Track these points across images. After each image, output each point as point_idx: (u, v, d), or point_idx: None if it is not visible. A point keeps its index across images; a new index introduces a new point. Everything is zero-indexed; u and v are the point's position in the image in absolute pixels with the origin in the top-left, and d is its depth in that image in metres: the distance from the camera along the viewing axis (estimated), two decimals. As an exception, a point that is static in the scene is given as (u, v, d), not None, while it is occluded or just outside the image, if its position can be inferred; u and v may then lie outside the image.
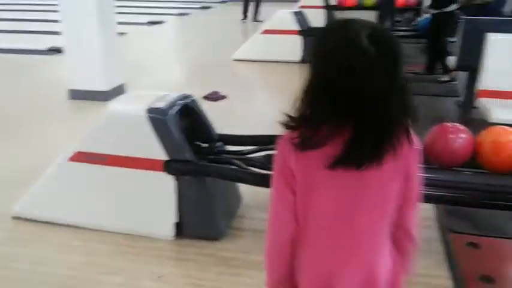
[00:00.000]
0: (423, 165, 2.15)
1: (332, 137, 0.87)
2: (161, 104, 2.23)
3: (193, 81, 5.44)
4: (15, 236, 2.35)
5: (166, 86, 4.97)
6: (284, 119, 0.93)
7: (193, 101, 2.43)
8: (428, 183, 2.00)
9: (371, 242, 0.95)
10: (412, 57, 6.02)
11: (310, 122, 0.88)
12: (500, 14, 5.57)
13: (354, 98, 0.83)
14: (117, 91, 4.48)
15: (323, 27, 0.95)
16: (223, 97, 4.61)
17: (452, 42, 4.78)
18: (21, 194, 2.51)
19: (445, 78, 5.02)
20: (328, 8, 8.06)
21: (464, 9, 5.26)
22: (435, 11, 5.09)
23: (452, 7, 4.97)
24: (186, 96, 2.40)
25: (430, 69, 5.31)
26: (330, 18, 8.22)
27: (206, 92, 4.57)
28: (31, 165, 3.03)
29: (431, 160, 2.04)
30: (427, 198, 2.01)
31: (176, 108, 2.25)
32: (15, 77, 5.59)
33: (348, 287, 0.95)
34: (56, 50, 6.47)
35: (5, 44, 7.25)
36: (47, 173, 2.44)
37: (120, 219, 2.32)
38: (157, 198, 2.27)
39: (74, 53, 4.43)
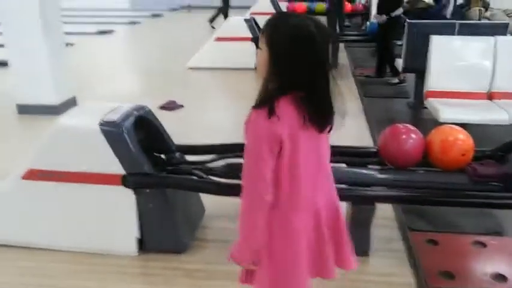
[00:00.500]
0: (378, 167, 2.22)
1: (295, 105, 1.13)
2: (115, 117, 2.17)
3: (148, 91, 5.36)
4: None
5: (120, 97, 4.86)
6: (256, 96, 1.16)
7: (148, 111, 2.38)
8: (385, 184, 2.08)
9: (329, 177, 1.33)
10: (363, 60, 6.23)
11: (278, 92, 1.13)
12: (442, 17, 5.86)
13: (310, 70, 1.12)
14: (68, 104, 4.33)
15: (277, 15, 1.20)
16: (179, 106, 4.57)
17: (400, 45, 4.97)
18: None
19: (395, 80, 5.22)
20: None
21: (409, 13, 5.50)
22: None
23: (398, 11, 5.20)
24: (140, 107, 2.35)
25: (379, 72, 5.51)
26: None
27: (162, 102, 4.51)
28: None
29: (386, 161, 2.11)
30: (385, 198, 2.09)
31: (131, 120, 2.19)
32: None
33: (323, 204, 1.29)
34: (2, 63, 6.18)
35: None
36: (-2, 192, 2.32)
37: (78, 237, 2.24)
38: (117, 214, 2.20)
39: (19, 66, 4.24)
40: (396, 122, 2.32)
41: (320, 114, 1.17)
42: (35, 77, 4.20)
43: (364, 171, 2.08)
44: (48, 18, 4.17)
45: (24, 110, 4.29)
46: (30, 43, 4.13)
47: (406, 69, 4.35)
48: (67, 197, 2.22)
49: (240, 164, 2.32)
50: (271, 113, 1.11)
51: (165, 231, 2.21)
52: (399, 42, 5.07)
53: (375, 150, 2.28)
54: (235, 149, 2.40)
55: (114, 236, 2.21)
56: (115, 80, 5.96)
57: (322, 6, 8.12)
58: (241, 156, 2.37)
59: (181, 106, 4.58)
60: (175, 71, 6.21)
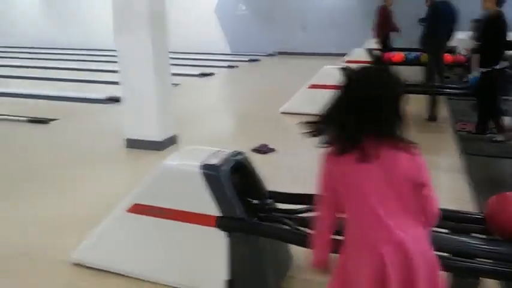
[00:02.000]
0: (484, 236, 2.05)
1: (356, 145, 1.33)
2: (215, 161, 2.29)
3: (242, 133, 5.56)
4: (74, 283, 2.42)
5: (216, 137, 5.12)
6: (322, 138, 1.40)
7: (245, 157, 2.48)
8: (493, 257, 1.89)
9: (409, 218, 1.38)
10: (464, 114, 5.92)
11: (344, 136, 1.36)
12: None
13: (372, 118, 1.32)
14: (170, 141, 4.65)
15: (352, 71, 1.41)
16: (272, 150, 4.67)
17: (509, 100, 4.65)
18: (78, 240, 2.61)
19: (500, 138, 4.85)
20: (376, 63, 8.12)
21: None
22: (484, 69, 4.95)
23: (502, 65, 4.85)
24: (238, 153, 2.46)
25: (481, 128, 5.15)
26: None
27: (255, 145, 4.65)
28: (87, 211, 3.18)
29: (494, 231, 1.95)
30: (493, 273, 1.87)
31: (229, 165, 2.30)
32: (76, 123, 5.94)
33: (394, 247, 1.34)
34: (115, 100, 6.86)
35: (69, 92, 7.79)
36: (106, 222, 2.53)
37: (171, 271, 2.36)
38: (209, 254, 2.28)
39: (130, 103, 4.67)
40: (502, 184, 2.16)
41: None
42: (143, 114, 4.59)
43: (469, 240, 1.94)
44: (159, 61, 4.58)
45: (132, 144, 4.67)
46: (142, 83, 4.55)
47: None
48: (165, 232, 2.36)
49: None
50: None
51: (253, 276, 2.23)
52: (508, 98, 4.75)
53: (480, 217, 2.13)
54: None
55: (204, 275, 2.29)
56: (212, 120, 6.29)
57: (425, 56, 7.91)
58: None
59: (273, 150, 4.68)
60: (268, 115, 6.39)
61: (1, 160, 4.51)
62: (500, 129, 4.87)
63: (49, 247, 2.77)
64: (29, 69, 11.17)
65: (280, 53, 14.27)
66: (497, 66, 4.79)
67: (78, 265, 2.52)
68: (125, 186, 3.66)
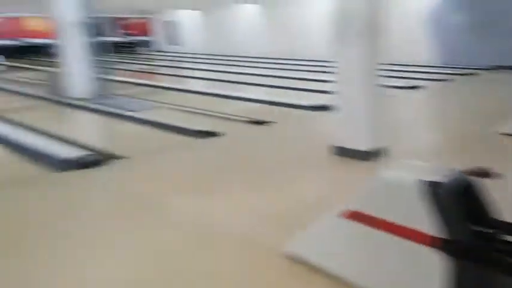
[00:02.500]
0: None
1: None
2: (440, 178, 2.22)
3: (453, 152, 5.18)
4: (285, 274, 2.65)
5: (425, 153, 4.90)
6: None
7: (470, 179, 2.34)
8: None
9: None
10: None
11: None
12: None
13: None
14: (378, 153, 4.65)
15: None
16: (490, 175, 4.23)
17: None
18: (289, 233, 2.85)
19: None
20: None
21: None
22: None
23: None
24: (462, 173, 2.33)
25: None
26: None
27: (468, 166, 4.29)
28: (296, 208, 3.44)
29: None
30: None
31: (455, 185, 2.21)
32: (288, 127, 6.47)
33: None
34: (322, 107, 7.21)
35: (281, 98, 8.53)
36: (320, 222, 2.71)
37: (380, 282, 2.37)
38: (420, 273, 2.22)
39: (343, 112, 4.83)
40: None
41: None
42: (354, 123, 4.70)
43: None
44: (373, 72, 4.66)
45: (340, 151, 4.82)
46: (355, 92, 4.67)
47: None
48: (378, 242, 2.39)
49: None
50: None
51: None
52: None
53: None
54: None
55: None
56: (420, 135, 6.04)
57: None
58: None
59: (493, 175, 4.23)
60: (484, 135, 5.80)
61: (238, 155, 5.18)
62: None
63: (263, 236, 3.06)
64: (247, 75, 12.62)
65: (502, 67, 12.70)
66: None
67: (290, 258, 2.74)
68: (330, 191, 3.85)
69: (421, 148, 5.27)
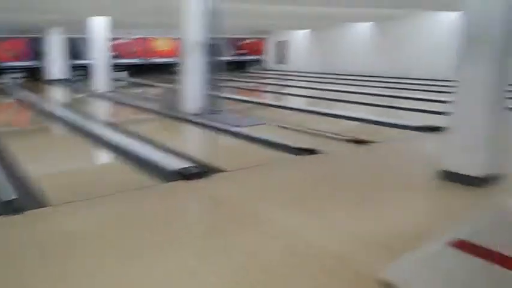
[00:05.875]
0: None
1: None
2: None
3: None
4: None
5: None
6: None
7: None
8: None
9: None
10: None
11: None
12: None
13: None
14: (493, 179, 4.25)
15: None
16: None
17: None
18: (383, 259, 2.70)
19: None
20: None
21: None
22: None
23: None
24: None
25: None
26: None
27: None
28: (394, 233, 3.26)
29: None
30: None
31: None
32: (391, 148, 6.20)
33: None
34: (431, 129, 6.80)
35: (382, 117, 8.24)
36: (423, 249, 2.54)
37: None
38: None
39: (455, 133, 4.51)
40: None
41: None
42: (467, 146, 4.35)
43: None
44: (497, 92, 4.30)
45: (446, 176, 4.48)
46: (472, 113, 4.34)
47: None
48: (490, 277, 2.17)
49: None
50: None
51: None
52: None
53: None
54: None
55: None
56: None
57: None
58: None
59: None
60: None
61: (337, 174, 5.11)
62: None
63: (357, 258, 2.93)
64: (351, 94, 12.41)
65: None
66: None
67: (384, 284, 2.58)
68: (436, 218, 3.58)
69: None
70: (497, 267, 2.11)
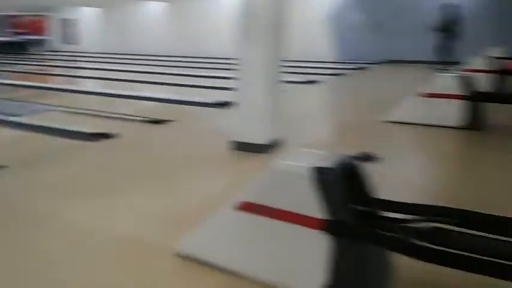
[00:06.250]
0: None
1: None
2: (326, 164, 2.28)
3: (344, 141, 5.47)
4: (178, 274, 2.56)
5: (318, 143, 5.10)
6: None
7: (356, 163, 2.44)
8: None
9: None
10: None
11: None
12: None
13: None
14: (276, 145, 4.75)
15: None
16: (373, 159, 4.50)
17: None
18: (181, 233, 2.75)
19: None
20: (501, 72, 7.62)
21: None
22: None
23: None
24: (348, 158, 2.42)
25: None
26: (500, 82, 7.66)
27: (356, 152, 4.53)
28: (192, 207, 3.35)
29: None
30: None
31: (340, 169, 2.28)
32: (187, 125, 6.34)
33: None
34: (223, 104, 7.19)
35: (179, 96, 8.38)
36: (213, 217, 2.65)
37: (272, 270, 2.38)
38: (311, 257, 2.27)
39: (242, 108, 4.86)
40: None
41: None
42: (252, 118, 4.75)
43: None
44: (272, 69, 4.75)
45: (238, 146, 4.83)
46: (253, 89, 4.72)
47: None
48: (270, 231, 2.40)
49: (451, 232, 2.16)
50: None
51: (354, 284, 2.18)
52: None
53: None
54: (443, 213, 2.25)
55: (302, 276, 2.28)
56: (315, 126, 6.29)
57: None
58: (447, 223, 2.23)
59: (375, 159, 4.50)
60: (372, 123, 6.21)
61: (133, 155, 4.94)
62: None
63: (156, 238, 2.93)
64: (146, 74, 12.25)
65: (390, 61, 13.78)
66: None
67: (184, 257, 2.64)
68: (229, 186, 3.82)
69: (316, 138, 5.49)
70: (277, 222, 2.35)
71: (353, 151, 4.36)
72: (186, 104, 7.74)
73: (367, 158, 4.63)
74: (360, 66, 12.87)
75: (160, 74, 12.26)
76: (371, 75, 11.89)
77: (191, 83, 10.36)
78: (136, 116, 6.58)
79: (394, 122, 6.13)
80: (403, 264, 2.34)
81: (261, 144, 4.67)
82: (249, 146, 4.72)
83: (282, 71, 5.04)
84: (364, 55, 13.93)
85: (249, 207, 2.46)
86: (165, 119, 6.41)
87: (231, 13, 16.46)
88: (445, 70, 11.05)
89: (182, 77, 11.52)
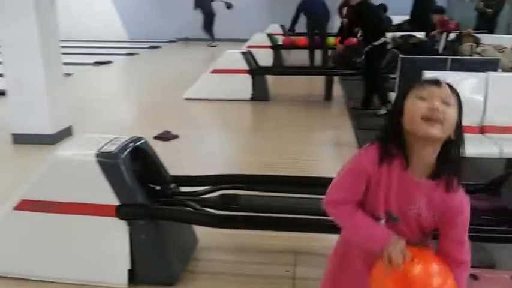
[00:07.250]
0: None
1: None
2: (111, 148, 2.18)
3: (144, 122, 5.40)
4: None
5: (116, 127, 4.89)
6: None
7: (144, 143, 2.40)
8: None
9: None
10: (356, 93, 6.30)
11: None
12: (434, 53, 5.99)
13: None
14: (64, 134, 4.36)
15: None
16: (174, 137, 4.59)
17: (393, 79, 5.06)
18: None
19: (383, 111, 5.19)
20: (275, 47, 8.55)
21: (402, 48, 5.63)
22: (366, 48, 5.33)
23: (380, 41, 5.24)
24: (137, 139, 2.36)
25: (365, 103, 5.54)
26: (277, 57, 8.59)
27: (157, 132, 4.53)
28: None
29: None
30: None
31: (127, 151, 2.20)
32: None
33: None
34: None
35: None
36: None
37: (70, 268, 2.22)
38: (109, 245, 2.19)
39: (17, 96, 4.26)
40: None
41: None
42: (32, 106, 4.23)
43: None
44: (47, 49, 4.23)
45: (19, 139, 4.29)
46: (28, 73, 4.18)
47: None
48: (59, 228, 2.20)
49: (235, 196, 2.34)
50: None
51: (156, 262, 2.19)
52: (393, 76, 5.15)
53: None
54: (231, 181, 2.41)
55: (105, 267, 2.19)
56: (112, 109, 6.00)
57: (331, 40, 8.36)
58: (236, 188, 2.41)
59: (177, 136, 4.60)
60: (171, 102, 6.27)
61: None
62: (383, 102, 5.24)
63: None
64: None
65: (182, 40, 14.01)
66: (376, 43, 5.21)
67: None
68: (12, 184, 3.36)
69: (110, 122, 5.25)
70: (69, 216, 2.16)
71: (152, 132, 4.38)
72: None
73: (166, 137, 4.69)
74: (153, 45, 12.73)
75: None
76: (165, 54, 11.89)
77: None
78: None
79: (190, 99, 6.29)
80: (206, 232, 2.45)
81: (46, 135, 4.22)
82: (32, 137, 4.22)
83: (63, 52, 4.61)
84: (154, 34, 13.81)
85: (29, 206, 2.20)
86: None
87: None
88: (212, 46, 12.04)
89: None
